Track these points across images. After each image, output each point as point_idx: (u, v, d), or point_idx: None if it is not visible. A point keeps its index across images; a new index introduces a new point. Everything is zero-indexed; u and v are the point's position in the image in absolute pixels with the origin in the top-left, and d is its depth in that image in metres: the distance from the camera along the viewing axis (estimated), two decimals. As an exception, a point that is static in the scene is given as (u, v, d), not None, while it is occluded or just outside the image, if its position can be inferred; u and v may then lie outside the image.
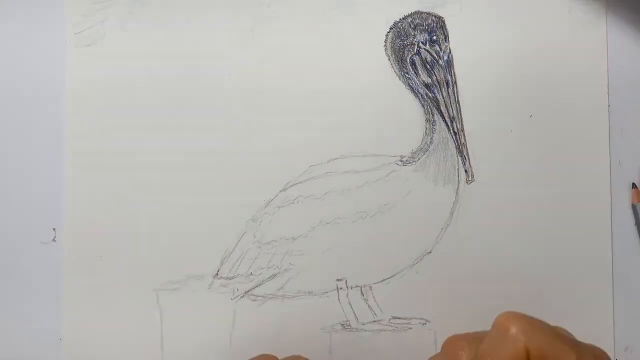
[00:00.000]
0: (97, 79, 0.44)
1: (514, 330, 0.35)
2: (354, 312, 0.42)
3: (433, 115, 0.43)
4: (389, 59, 0.43)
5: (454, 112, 0.42)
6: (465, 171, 0.42)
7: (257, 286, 0.43)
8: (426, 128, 0.43)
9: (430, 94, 0.43)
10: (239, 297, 0.43)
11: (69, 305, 0.42)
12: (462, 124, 0.42)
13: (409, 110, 0.43)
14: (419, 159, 0.42)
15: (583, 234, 0.42)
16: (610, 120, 0.43)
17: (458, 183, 0.42)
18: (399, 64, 0.43)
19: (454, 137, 0.42)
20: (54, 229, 0.43)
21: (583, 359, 0.34)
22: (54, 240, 0.43)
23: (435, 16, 0.43)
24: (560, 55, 0.42)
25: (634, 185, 0.43)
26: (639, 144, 0.42)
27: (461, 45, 0.42)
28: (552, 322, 0.41)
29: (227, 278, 0.43)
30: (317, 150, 0.43)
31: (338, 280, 0.42)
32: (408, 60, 0.43)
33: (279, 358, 0.38)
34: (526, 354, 0.35)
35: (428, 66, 0.43)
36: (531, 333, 0.35)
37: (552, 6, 0.42)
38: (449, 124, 0.42)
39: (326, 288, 0.42)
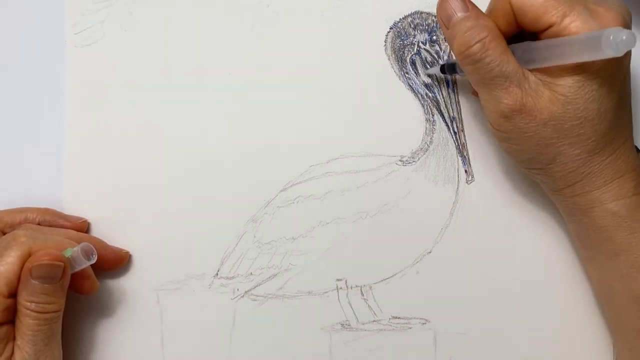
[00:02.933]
0: (97, 79, 0.44)
1: None
2: (354, 312, 0.42)
3: (433, 115, 0.43)
4: (389, 59, 0.43)
5: (454, 112, 0.42)
6: (465, 171, 0.42)
7: (257, 286, 0.43)
8: (426, 128, 0.43)
9: (430, 94, 0.43)
10: (239, 297, 0.43)
11: (70, 304, 0.42)
12: (462, 124, 0.42)
13: (409, 110, 0.43)
14: (419, 159, 0.42)
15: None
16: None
17: (458, 183, 0.42)
18: (399, 64, 0.43)
19: (454, 137, 0.42)
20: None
21: (574, 15, 0.32)
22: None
23: (435, 16, 0.43)
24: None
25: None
26: (639, 144, 0.42)
27: (461, 45, 0.42)
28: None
29: (227, 278, 0.43)
30: (317, 150, 0.43)
31: (338, 280, 0.42)
32: (408, 60, 0.43)
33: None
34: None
35: (428, 66, 0.42)
36: None
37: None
38: (449, 124, 0.42)
39: (326, 288, 0.42)
